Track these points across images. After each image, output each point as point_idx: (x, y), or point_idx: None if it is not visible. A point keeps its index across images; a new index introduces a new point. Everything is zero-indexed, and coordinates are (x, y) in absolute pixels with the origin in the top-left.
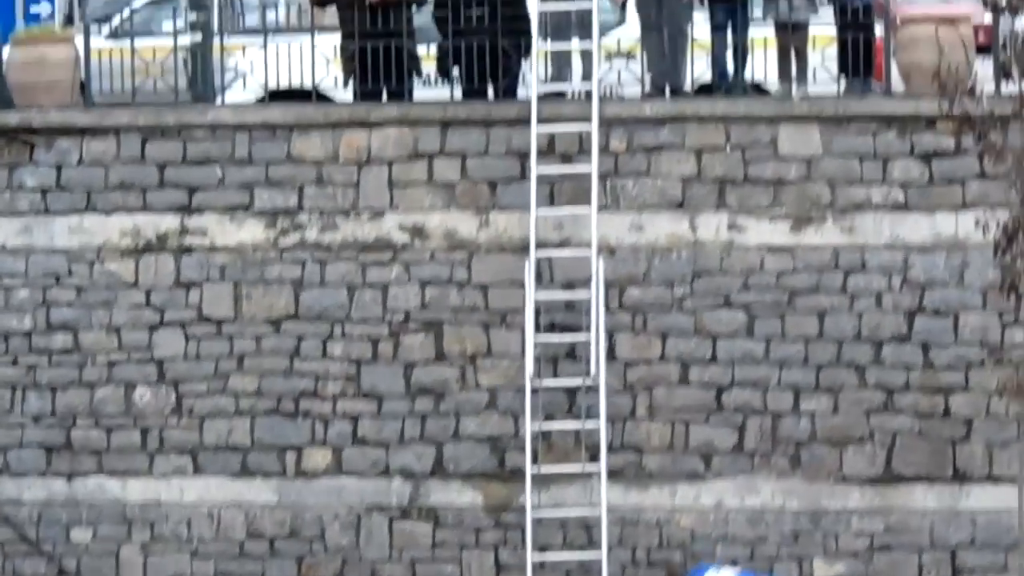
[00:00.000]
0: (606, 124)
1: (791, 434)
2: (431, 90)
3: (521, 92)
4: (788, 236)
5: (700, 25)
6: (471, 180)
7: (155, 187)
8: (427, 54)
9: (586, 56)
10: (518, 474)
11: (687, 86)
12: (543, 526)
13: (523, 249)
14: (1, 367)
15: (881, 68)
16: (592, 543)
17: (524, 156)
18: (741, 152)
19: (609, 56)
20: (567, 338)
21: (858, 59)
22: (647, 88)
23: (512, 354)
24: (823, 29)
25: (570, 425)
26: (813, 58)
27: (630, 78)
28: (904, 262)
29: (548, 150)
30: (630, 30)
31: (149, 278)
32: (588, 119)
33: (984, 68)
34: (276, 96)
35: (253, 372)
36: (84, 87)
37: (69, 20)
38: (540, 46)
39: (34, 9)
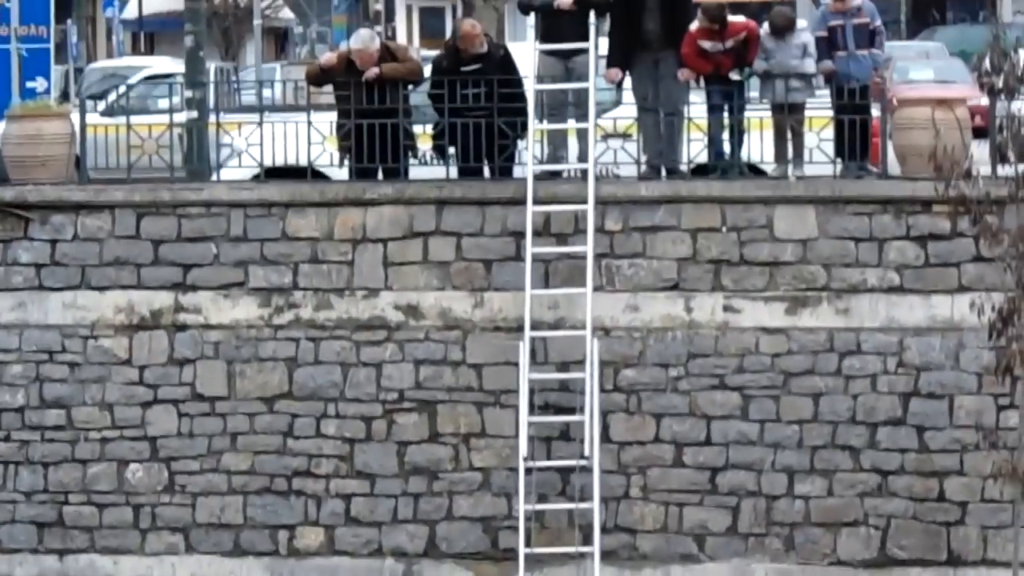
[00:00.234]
0: (602, 204)
1: (785, 516)
2: (427, 169)
3: (517, 171)
4: (783, 318)
5: (696, 106)
6: (466, 259)
7: (150, 264)
8: (423, 133)
9: (582, 136)
10: (511, 555)
11: (683, 167)
12: None
13: (518, 329)
14: None
15: (877, 150)
16: None
17: (519, 236)
18: (737, 233)
19: (605, 136)
20: (561, 419)
21: (854, 141)
22: (643, 169)
23: (506, 434)
24: (820, 110)
25: (564, 506)
26: (809, 139)
27: (626, 158)
28: (899, 344)
29: (544, 230)
30: (626, 110)
31: (143, 355)
32: (584, 199)
33: (980, 150)
34: (272, 174)
35: (246, 450)
36: (79, 163)
37: (65, 96)
38: (536, 126)
39: (30, 84)
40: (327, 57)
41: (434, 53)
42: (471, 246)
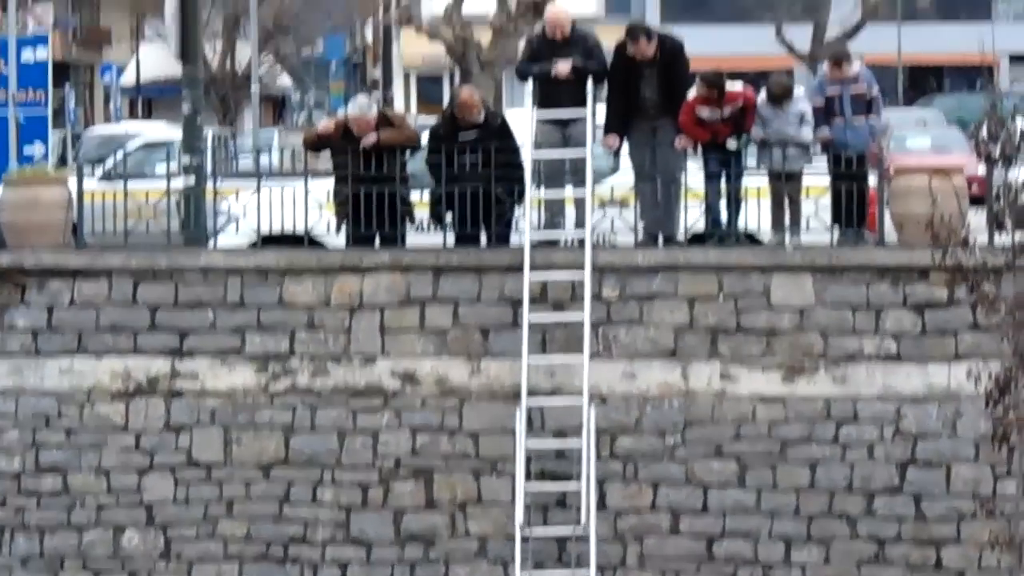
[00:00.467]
0: (599, 272)
1: None
2: (424, 236)
3: (514, 239)
4: (780, 386)
5: (694, 174)
6: (463, 327)
7: (146, 330)
8: (420, 200)
9: (580, 204)
10: None
11: (680, 235)
12: None
13: (515, 396)
14: None
15: (874, 218)
16: None
17: (517, 303)
18: (734, 301)
19: (602, 204)
20: (558, 486)
21: (851, 209)
22: (640, 236)
23: (502, 502)
24: (817, 178)
25: (560, 574)
26: (806, 207)
27: (623, 226)
28: (896, 413)
29: (541, 298)
30: (624, 178)
31: (139, 421)
32: (581, 267)
33: (977, 219)
34: (268, 240)
35: (242, 517)
36: (76, 229)
37: (63, 161)
38: (534, 193)
39: (28, 150)
40: (324, 124)
41: (432, 120)
42: (468, 313)
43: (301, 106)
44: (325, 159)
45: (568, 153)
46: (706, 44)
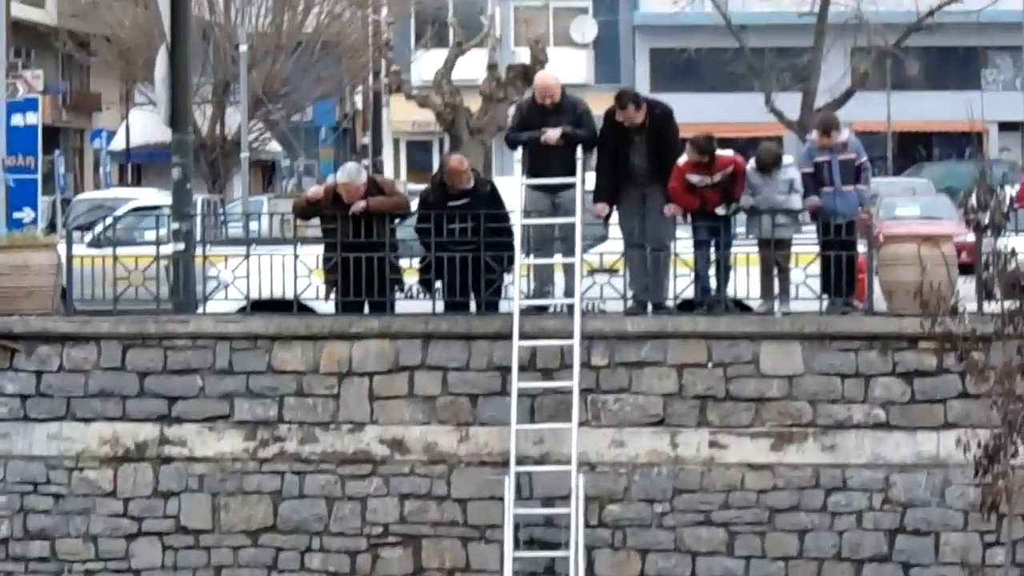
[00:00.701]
0: (588, 339)
1: None
2: (413, 303)
3: (503, 306)
4: (769, 454)
5: (683, 241)
6: (452, 394)
7: (135, 396)
8: (409, 267)
9: (569, 271)
10: None
11: (669, 302)
12: None
13: (503, 464)
14: None
15: (864, 286)
16: None
17: (505, 370)
18: (723, 369)
19: (592, 271)
20: (546, 554)
21: (840, 277)
22: (629, 304)
23: (491, 570)
24: (806, 246)
25: None
26: (796, 275)
27: (612, 294)
28: (885, 481)
29: (530, 365)
30: (613, 245)
31: (128, 487)
32: (570, 334)
33: (967, 287)
34: (258, 307)
35: None
36: (65, 294)
37: (52, 226)
38: (523, 260)
39: (17, 214)
40: (314, 190)
41: (421, 187)
42: (457, 380)
43: (291, 172)
44: (315, 226)
45: (557, 220)
46: (695, 112)
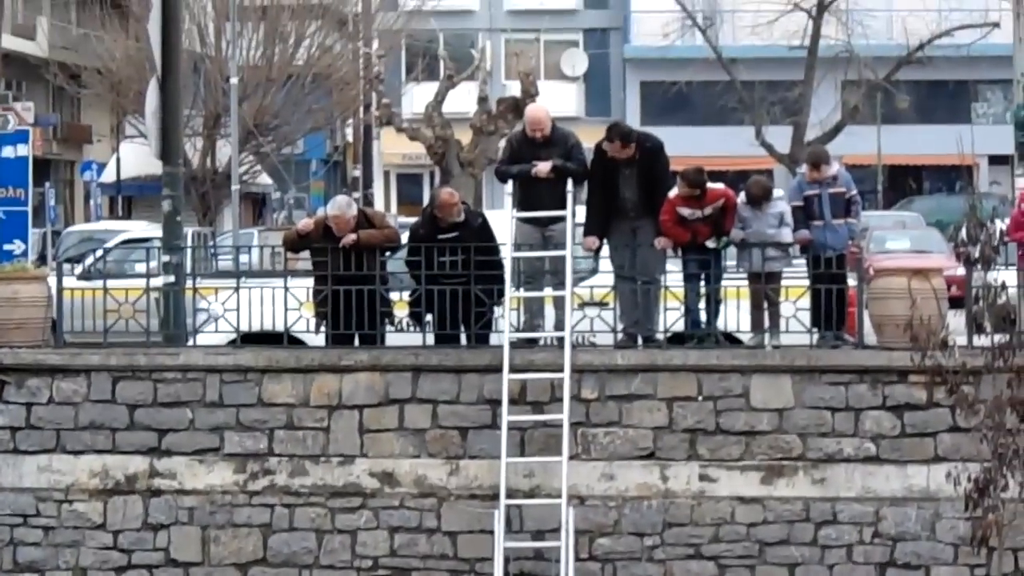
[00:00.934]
0: (578, 373)
1: None
2: (403, 336)
3: (493, 339)
4: (759, 487)
5: (673, 274)
6: (442, 427)
7: (125, 428)
8: (400, 299)
9: (559, 304)
10: None
11: (659, 336)
12: None
13: (493, 497)
14: None
15: (854, 320)
16: None
17: (495, 404)
18: (713, 402)
19: (582, 304)
20: None
21: (831, 310)
22: (619, 337)
23: None
24: (796, 280)
25: None
26: (786, 309)
27: (603, 327)
28: (875, 514)
29: (520, 398)
30: (603, 279)
31: (117, 520)
32: (560, 367)
33: (957, 321)
34: (248, 339)
35: None
36: (56, 326)
37: (42, 259)
38: (513, 293)
39: (7, 247)
40: (304, 223)
41: (412, 219)
42: (447, 413)
43: (281, 205)
44: (305, 258)
45: (548, 254)
46: (686, 145)
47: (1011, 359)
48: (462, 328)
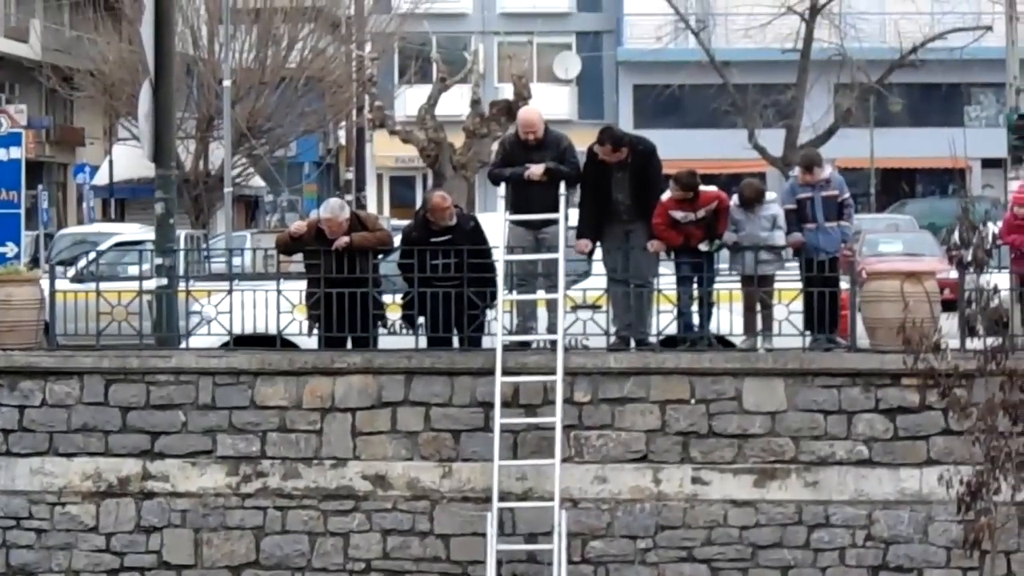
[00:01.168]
0: (571, 375)
1: None
2: (396, 339)
3: (486, 342)
4: (752, 490)
5: (666, 277)
6: (435, 430)
7: (117, 431)
8: (392, 302)
9: (552, 307)
10: None
11: (652, 339)
12: None
13: (486, 500)
14: None
15: (846, 322)
16: None
17: (488, 406)
18: (706, 405)
19: (575, 307)
20: None
21: (823, 313)
22: (612, 340)
23: None
24: (789, 283)
25: None
26: (778, 312)
27: (595, 330)
28: (868, 517)
29: (512, 401)
30: (596, 282)
31: (110, 522)
32: (553, 370)
33: (949, 324)
34: (241, 342)
35: None
36: (48, 329)
37: (35, 261)
38: (506, 296)
39: (0, 249)
40: (297, 226)
41: (404, 222)
42: (440, 416)
43: (274, 208)
44: (298, 261)
45: (540, 256)
46: (679, 148)
47: (1003, 362)
48: (455, 331)
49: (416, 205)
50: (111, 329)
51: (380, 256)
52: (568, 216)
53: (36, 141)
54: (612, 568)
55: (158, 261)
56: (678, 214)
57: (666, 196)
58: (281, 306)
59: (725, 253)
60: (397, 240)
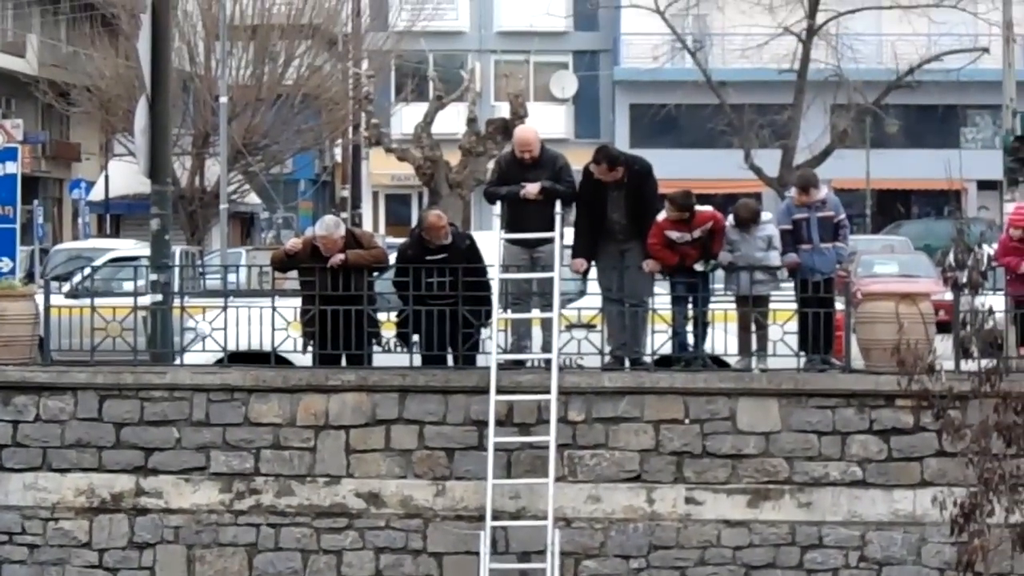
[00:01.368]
0: (565, 395)
1: None
2: (390, 356)
3: (481, 360)
4: (745, 510)
5: (661, 297)
6: (428, 448)
7: (111, 447)
8: (387, 320)
9: (546, 326)
10: None
11: (647, 358)
12: None
13: (479, 518)
14: None
15: (841, 343)
16: None
17: (482, 425)
18: (699, 425)
19: (569, 326)
20: None
21: (818, 334)
22: (607, 359)
23: None
24: (784, 303)
25: None
26: (773, 332)
27: (590, 349)
28: (861, 538)
29: (507, 419)
30: (591, 301)
31: (103, 538)
32: (547, 389)
33: (944, 345)
34: (235, 358)
35: None
36: (43, 344)
37: (30, 276)
38: (501, 315)
39: None
40: (292, 243)
41: (400, 240)
42: (433, 434)
43: (270, 225)
44: (293, 278)
45: (536, 275)
46: (674, 167)
47: (998, 384)
48: (449, 349)
49: (412, 223)
50: (106, 345)
51: (375, 274)
52: (563, 235)
53: (32, 156)
54: None
55: (153, 277)
56: (674, 234)
57: (662, 216)
58: (276, 323)
59: (720, 273)
60: (392, 258)
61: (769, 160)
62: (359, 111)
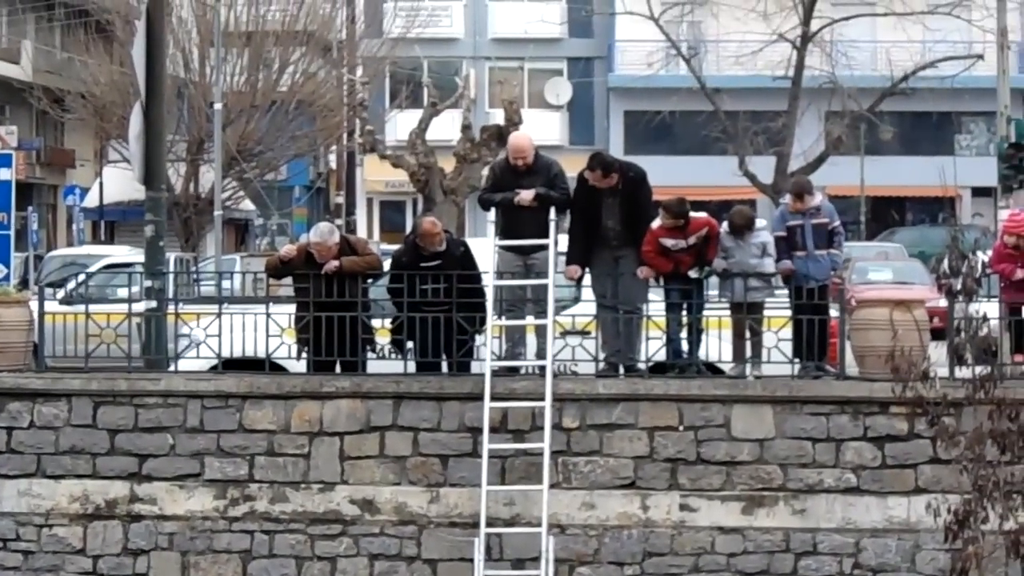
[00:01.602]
0: (559, 401)
1: None
2: (385, 363)
3: (475, 367)
4: (740, 517)
5: (655, 304)
6: (423, 454)
7: (105, 453)
8: (382, 327)
9: (541, 333)
10: None
11: (641, 365)
12: None
13: (473, 525)
14: None
15: (835, 350)
16: None
17: (476, 431)
18: (694, 432)
19: (564, 333)
20: None
21: (812, 341)
22: (601, 366)
23: None
24: (778, 310)
25: None
26: (768, 339)
27: (584, 356)
28: (856, 545)
29: (501, 426)
30: (585, 308)
31: (97, 544)
32: (541, 396)
33: (938, 352)
34: (229, 365)
35: None
36: (37, 350)
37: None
38: (495, 322)
39: None
40: (287, 249)
41: (395, 247)
42: (428, 441)
43: (264, 231)
44: (287, 285)
45: (530, 282)
46: (669, 174)
47: (992, 391)
48: (444, 356)
49: (406, 230)
50: (100, 351)
51: (369, 280)
52: (558, 242)
53: (26, 162)
54: None
55: (147, 283)
56: (668, 241)
57: (656, 223)
58: (270, 330)
59: (714, 280)
60: (387, 264)
61: (763, 167)
62: (353, 118)
